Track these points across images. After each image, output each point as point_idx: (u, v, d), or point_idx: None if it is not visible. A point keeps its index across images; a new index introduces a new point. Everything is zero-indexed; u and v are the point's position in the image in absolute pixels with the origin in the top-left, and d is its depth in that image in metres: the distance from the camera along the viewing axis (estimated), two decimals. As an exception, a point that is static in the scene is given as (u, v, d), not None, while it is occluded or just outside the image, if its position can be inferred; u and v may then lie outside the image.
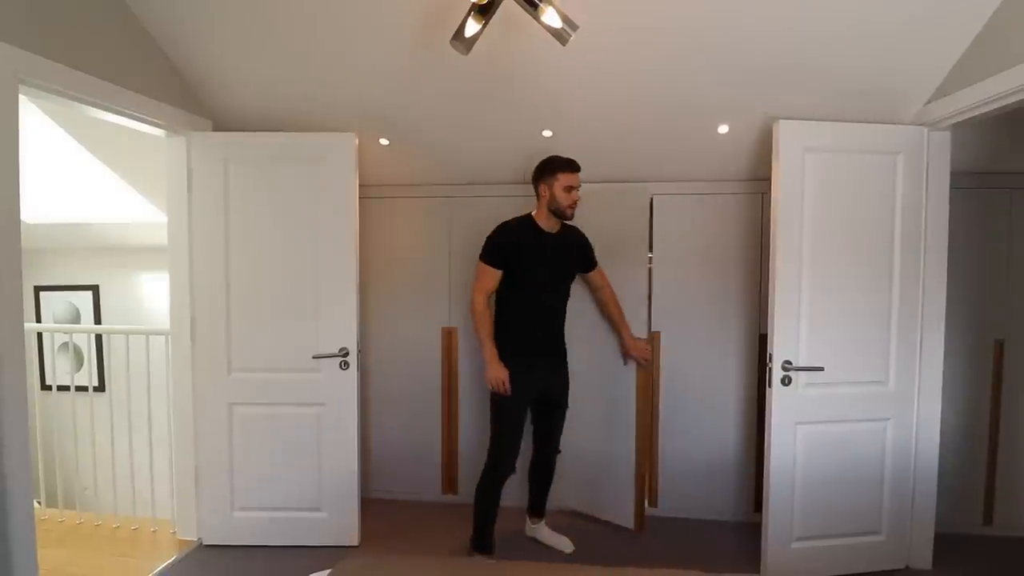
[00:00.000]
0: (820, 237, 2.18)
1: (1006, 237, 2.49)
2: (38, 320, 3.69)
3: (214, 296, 2.35)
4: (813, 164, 2.16)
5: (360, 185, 2.42)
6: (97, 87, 1.83)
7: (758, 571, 2.25)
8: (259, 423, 2.40)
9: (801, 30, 1.90)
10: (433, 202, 2.83)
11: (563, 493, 2.75)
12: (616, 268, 2.53)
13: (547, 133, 2.42)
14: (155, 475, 2.62)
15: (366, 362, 2.81)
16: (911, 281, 2.21)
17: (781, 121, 2.15)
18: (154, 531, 2.56)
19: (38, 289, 3.69)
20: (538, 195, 2.23)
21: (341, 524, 2.42)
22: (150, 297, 3.63)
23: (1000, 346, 2.51)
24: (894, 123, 2.19)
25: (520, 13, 1.45)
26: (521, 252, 2.20)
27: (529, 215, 2.27)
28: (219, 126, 2.43)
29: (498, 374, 2.16)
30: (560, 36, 1.40)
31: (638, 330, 2.53)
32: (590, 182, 2.71)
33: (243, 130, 2.40)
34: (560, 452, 2.47)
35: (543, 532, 2.51)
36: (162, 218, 2.73)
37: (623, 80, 2.14)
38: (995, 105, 1.83)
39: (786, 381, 2.20)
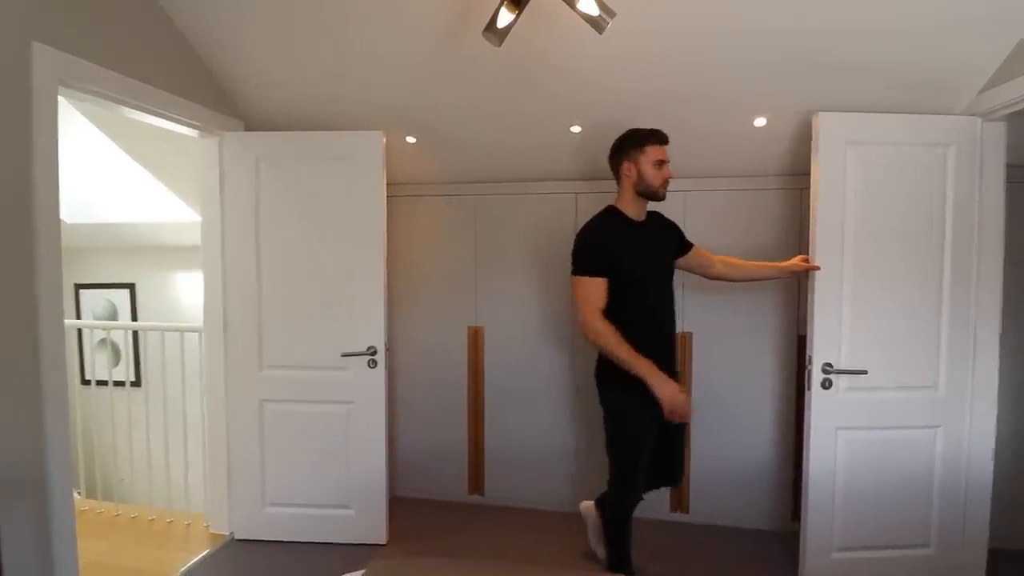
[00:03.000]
0: (863, 233, 2.08)
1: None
2: (78, 317, 3.82)
3: (246, 294, 2.39)
4: (855, 157, 2.07)
5: (387, 183, 2.42)
6: (133, 88, 1.86)
7: (796, 582, 2.17)
8: (289, 420, 2.42)
9: (839, 27, 1.81)
10: (460, 200, 2.81)
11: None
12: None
13: (575, 129, 2.38)
14: (189, 469, 2.67)
15: (393, 361, 2.82)
16: (963, 279, 2.09)
17: (821, 114, 2.06)
18: (188, 524, 2.61)
19: (78, 287, 3.83)
20: (620, 177, 1.90)
21: (369, 522, 2.43)
22: (185, 295, 3.72)
23: None
24: (944, 114, 2.07)
25: (549, 4, 1.41)
26: (621, 252, 1.82)
27: (611, 207, 1.92)
28: (250, 126, 2.46)
29: (673, 390, 1.75)
30: (597, 24, 1.36)
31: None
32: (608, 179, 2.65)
33: (273, 130, 2.42)
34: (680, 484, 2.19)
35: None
36: (196, 218, 2.78)
37: (653, 73, 2.08)
38: None
39: (826, 384, 2.11)
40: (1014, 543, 2.34)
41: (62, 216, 1.67)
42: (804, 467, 2.16)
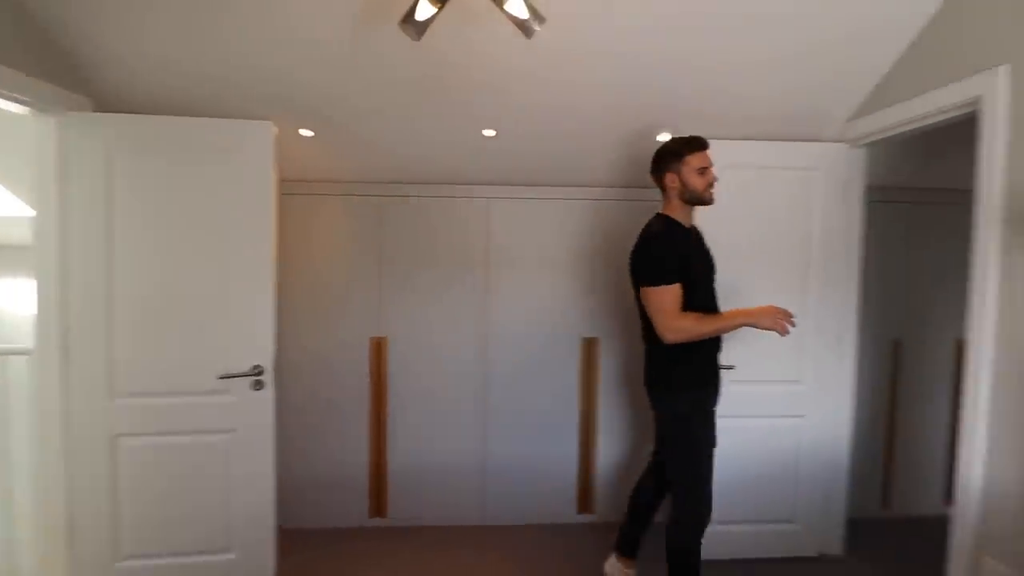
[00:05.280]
0: (742, 247, 2.28)
1: (903, 246, 2.74)
2: None
3: (93, 307, 1.97)
4: (735, 178, 2.25)
5: (278, 180, 2.16)
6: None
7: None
8: (152, 456, 2.05)
9: (727, 59, 1.98)
10: (361, 201, 2.61)
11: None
12: (561, 276, 2.47)
13: (489, 132, 2.31)
14: (15, 527, 2.15)
15: (283, 378, 2.53)
16: (826, 288, 2.36)
17: None
18: (10, 594, 2.10)
19: None
20: (664, 188, 1.87)
21: (255, 564, 2.13)
22: (5, 307, 3.03)
23: (897, 345, 2.78)
24: (816, 140, 2.34)
25: (476, 3, 1.32)
26: (688, 255, 1.80)
27: (663, 216, 1.87)
28: (104, 107, 2.05)
29: (766, 313, 1.68)
30: (525, 28, 1.30)
31: (580, 333, 2.51)
32: (525, 184, 2.65)
33: (135, 113, 2.04)
34: None
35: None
36: (26, 212, 2.26)
37: (567, 89, 2.08)
38: (907, 127, 2.01)
39: None
40: (860, 512, 2.70)
41: None
42: None
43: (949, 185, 2.64)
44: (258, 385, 2.09)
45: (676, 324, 1.71)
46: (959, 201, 2.69)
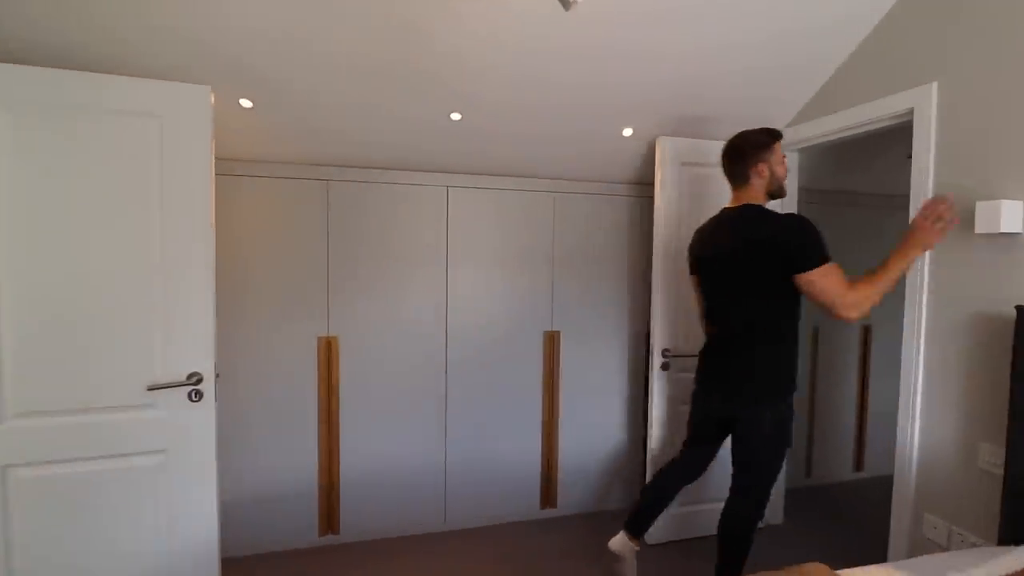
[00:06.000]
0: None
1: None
2: None
3: (-32, 308, 1.55)
4: (688, 175, 2.43)
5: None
6: None
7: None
8: (58, 489, 1.66)
9: (686, 71, 2.04)
10: (306, 185, 2.33)
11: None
12: (521, 269, 2.41)
13: (455, 116, 2.17)
14: None
15: (217, 384, 2.19)
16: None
17: (662, 137, 2.40)
18: None
19: None
20: (750, 179, 1.75)
21: (193, 607, 1.83)
22: None
23: (816, 331, 3.08)
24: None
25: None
26: None
27: (758, 206, 1.74)
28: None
29: (926, 225, 1.59)
30: (564, 1, 1.20)
31: (542, 327, 2.49)
32: (494, 175, 2.55)
33: (22, 64, 1.63)
34: None
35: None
36: None
37: (537, 75, 2.01)
38: (840, 135, 2.23)
39: (665, 367, 2.45)
40: (795, 483, 2.98)
41: None
42: (648, 438, 2.46)
43: (870, 190, 2.97)
44: (195, 396, 1.79)
45: (854, 297, 1.56)
46: (877, 204, 3.07)
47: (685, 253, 2.02)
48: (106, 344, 1.68)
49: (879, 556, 1.98)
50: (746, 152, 1.77)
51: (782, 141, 1.80)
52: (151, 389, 1.72)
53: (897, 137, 2.16)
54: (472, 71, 1.95)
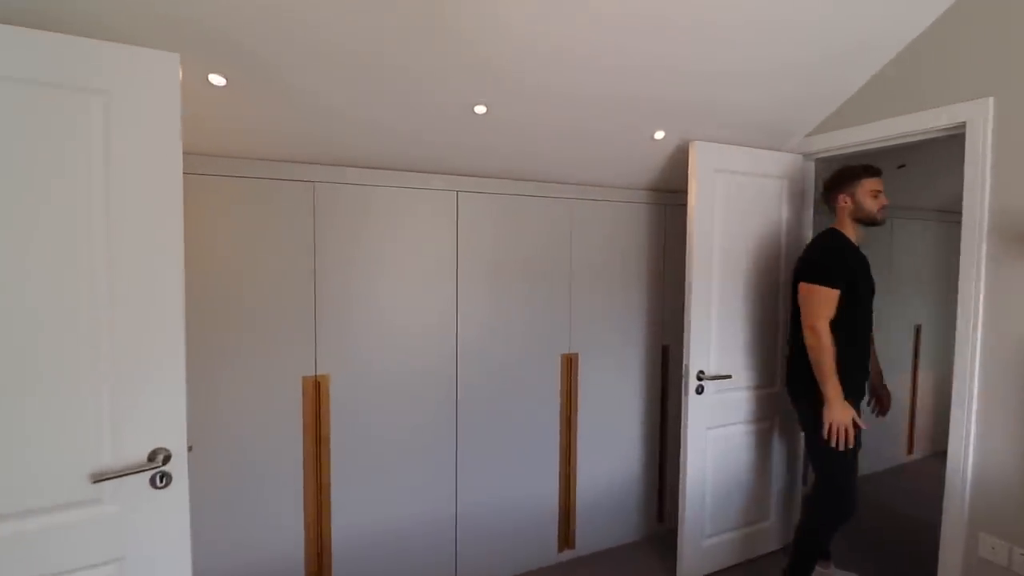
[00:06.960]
0: (727, 250, 2.27)
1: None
2: None
3: None
4: (722, 183, 2.25)
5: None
6: None
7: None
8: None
9: (709, 69, 1.85)
10: (290, 189, 1.86)
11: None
12: (538, 285, 2.10)
13: (480, 109, 1.81)
14: None
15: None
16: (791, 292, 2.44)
17: (696, 142, 2.19)
18: None
19: None
20: (835, 207, 2.05)
21: None
22: None
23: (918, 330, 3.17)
24: (776, 150, 2.40)
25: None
26: (856, 269, 1.95)
27: (835, 230, 2.03)
28: None
29: (843, 417, 1.87)
30: None
31: (559, 350, 2.29)
32: (511, 179, 2.23)
33: None
34: None
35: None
36: None
37: (572, 68, 1.72)
38: (853, 149, 2.21)
39: (700, 390, 2.25)
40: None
41: None
42: (682, 467, 2.26)
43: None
44: (161, 480, 1.31)
45: (821, 328, 1.88)
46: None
47: (725, 264, 2.24)
48: (25, 417, 1.16)
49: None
50: (832, 186, 2.06)
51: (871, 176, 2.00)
52: (97, 481, 1.22)
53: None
54: (502, 55, 1.61)
